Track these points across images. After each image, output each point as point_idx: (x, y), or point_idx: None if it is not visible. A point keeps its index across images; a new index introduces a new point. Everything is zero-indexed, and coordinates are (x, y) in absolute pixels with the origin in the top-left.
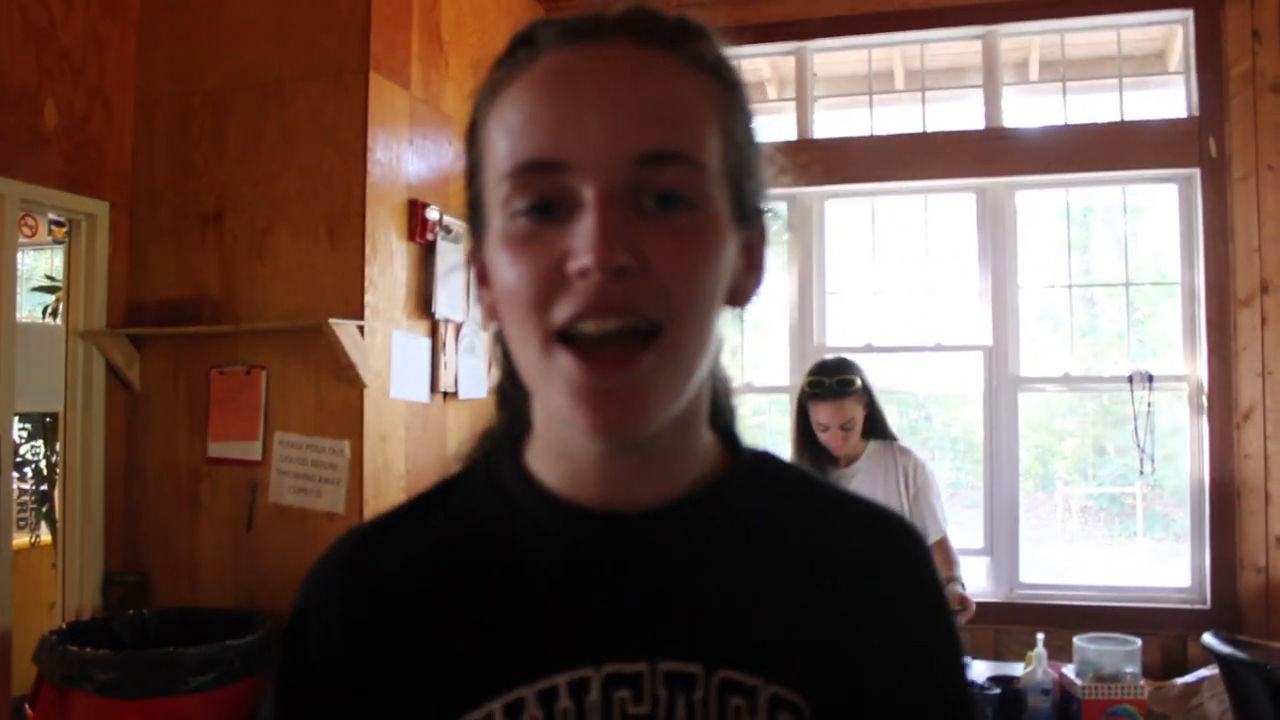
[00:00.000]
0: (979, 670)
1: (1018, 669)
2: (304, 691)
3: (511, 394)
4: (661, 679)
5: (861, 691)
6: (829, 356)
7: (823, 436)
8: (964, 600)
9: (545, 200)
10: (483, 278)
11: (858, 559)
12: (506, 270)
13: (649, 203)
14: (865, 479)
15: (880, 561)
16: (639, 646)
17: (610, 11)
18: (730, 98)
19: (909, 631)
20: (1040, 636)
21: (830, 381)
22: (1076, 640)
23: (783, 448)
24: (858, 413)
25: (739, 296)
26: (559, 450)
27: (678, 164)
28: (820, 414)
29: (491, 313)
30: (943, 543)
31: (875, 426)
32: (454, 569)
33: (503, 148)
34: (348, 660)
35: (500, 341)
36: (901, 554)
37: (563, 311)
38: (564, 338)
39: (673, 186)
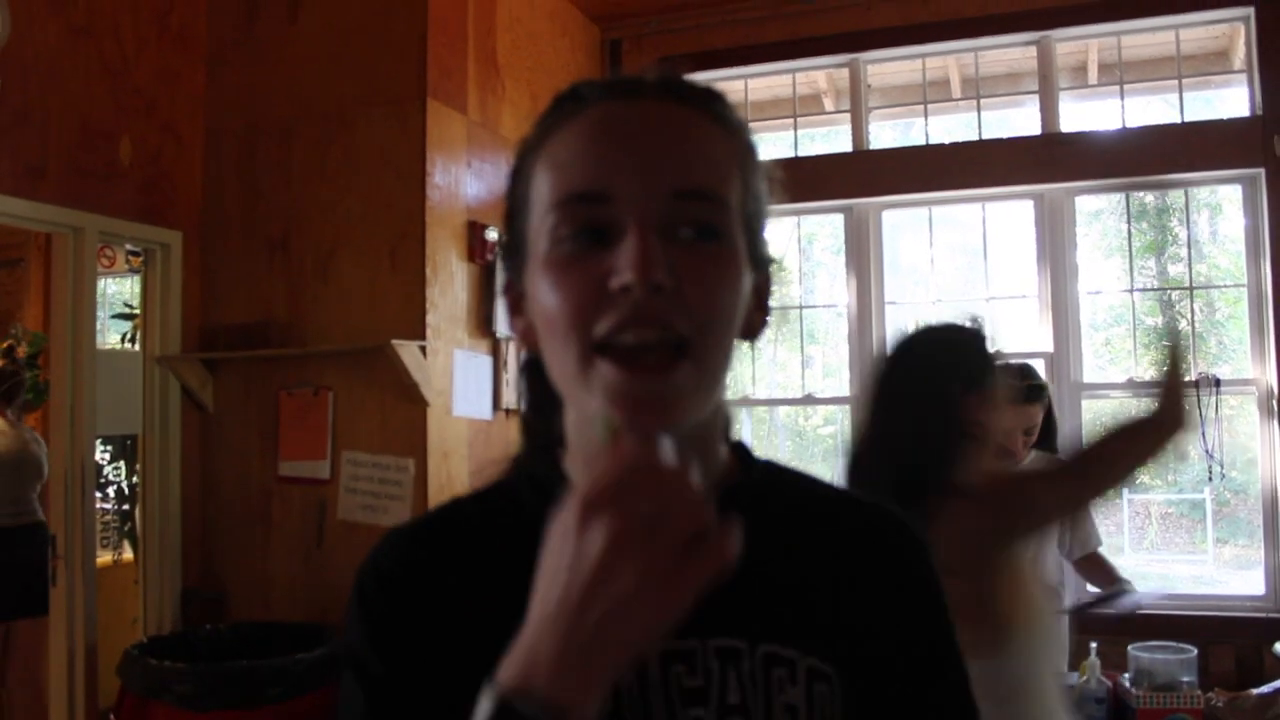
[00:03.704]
0: None
1: (1076, 679)
2: (386, 647)
3: (536, 424)
4: (713, 653)
5: (876, 661)
6: (1012, 361)
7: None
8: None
9: (589, 228)
10: (516, 307)
11: (866, 547)
12: (549, 291)
13: (684, 232)
14: None
15: (885, 548)
16: (688, 626)
17: (646, 77)
18: (748, 155)
19: (911, 608)
20: (1094, 645)
21: (1021, 386)
22: (1131, 649)
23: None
24: (1039, 418)
25: (749, 331)
26: (594, 456)
27: (706, 202)
28: (1005, 418)
29: (526, 337)
30: (1100, 556)
31: (1045, 437)
32: (509, 560)
33: (551, 183)
34: (410, 639)
35: (527, 373)
36: (901, 541)
37: (604, 325)
38: (601, 349)
39: (703, 220)
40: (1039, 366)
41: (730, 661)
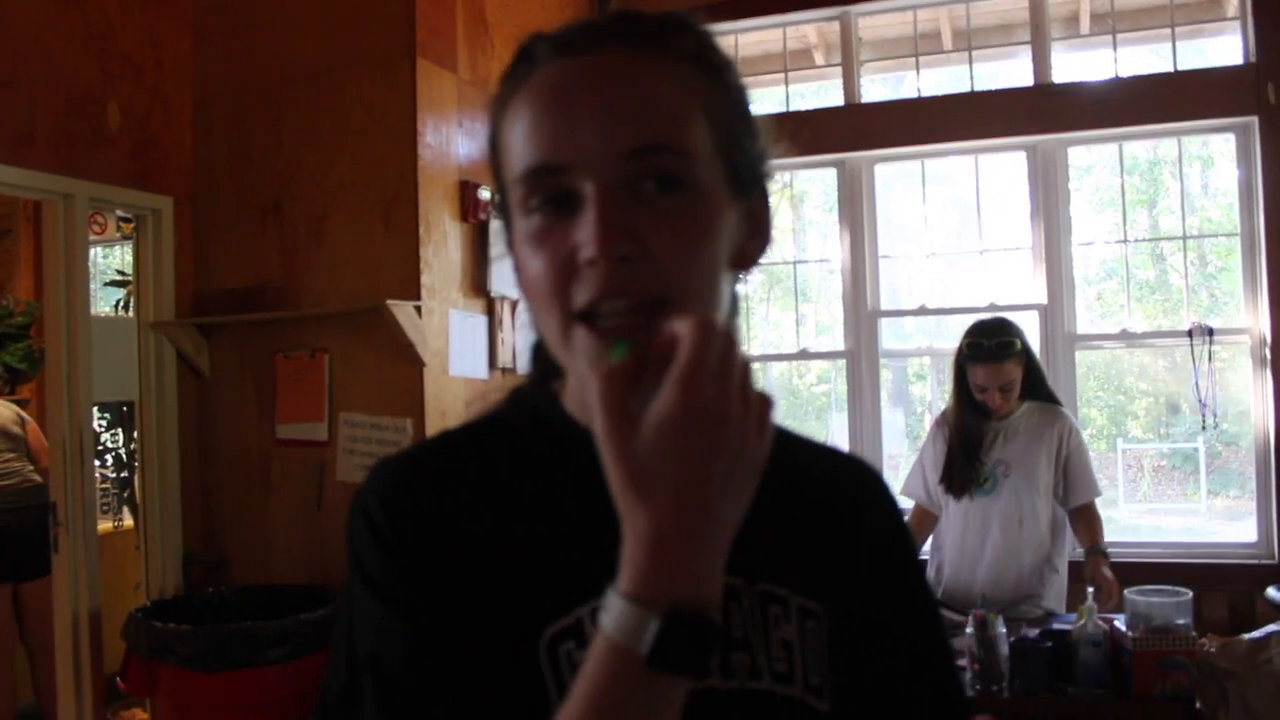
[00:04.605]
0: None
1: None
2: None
3: (545, 351)
4: None
5: (859, 600)
6: (987, 317)
7: (980, 397)
8: (1110, 584)
9: (553, 198)
10: (517, 266)
11: (848, 495)
12: (528, 264)
13: (647, 187)
14: (1014, 438)
15: (861, 495)
16: None
17: (596, 21)
18: (714, 81)
19: (886, 550)
20: (1090, 590)
21: (990, 344)
22: (1127, 593)
23: (853, 411)
24: (1017, 374)
25: (745, 260)
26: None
27: (665, 154)
28: (978, 375)
29: (526, 296)
30: (1092, 507)
31: (1033, 387)
32: (513, 491)
33: (514, 155)
34: (424, 563)
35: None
36: (875, 488)
37: (579, 298)
38: (582, 316)
39: (665, 170)
40: (1033, 319)
41: (731, 598)
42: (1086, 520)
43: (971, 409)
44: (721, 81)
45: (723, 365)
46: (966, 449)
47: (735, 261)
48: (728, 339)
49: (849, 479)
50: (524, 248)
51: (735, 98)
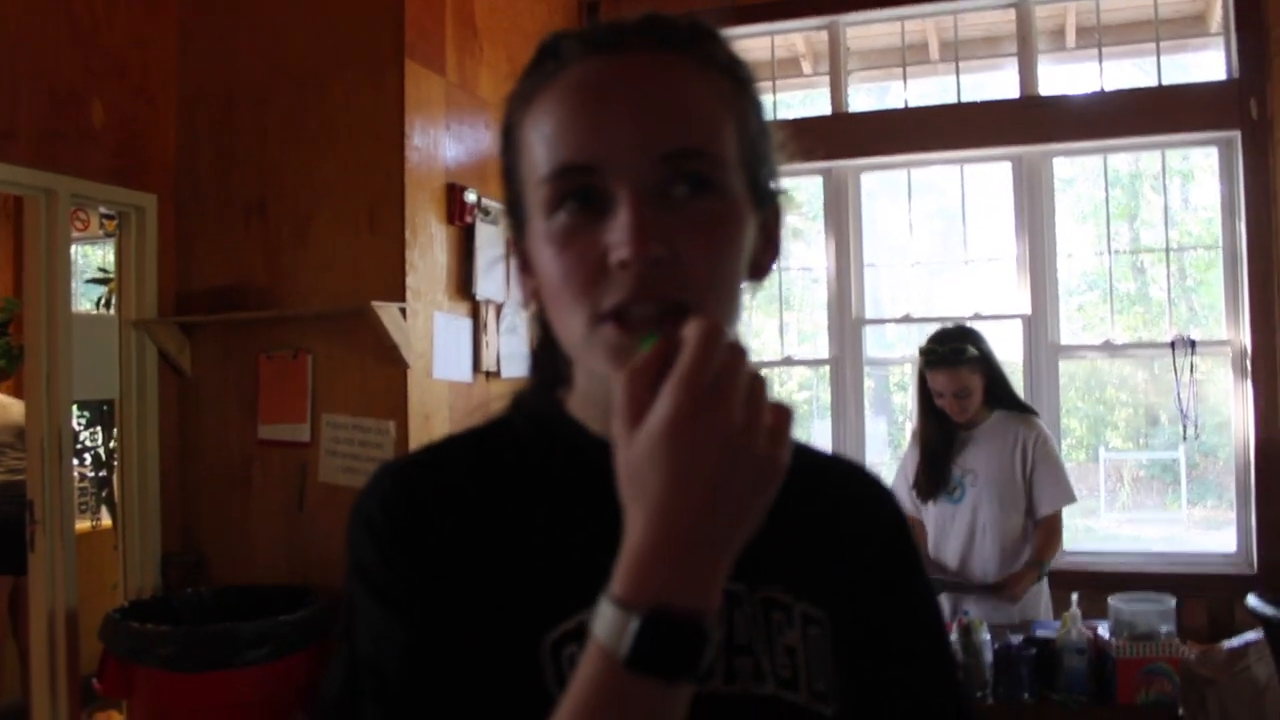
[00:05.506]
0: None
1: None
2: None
3: (546, 359)
4: None
5: (860, 603)
6: (949, 325)
7: (939, 403)
8: (1011, 588)
9: (582, 198)
10: (525, 266)
11: (848, 500)
12: (551, 263)
13: (679, 190)
14: (981, 446)
15: (864, 502)
16: None
17: (627, 22)
18: (742, 92)
19: (887, 554)
20: (1075, 596)
21: (944, 350)
22: (1111, 600)
23: (836, 419)
24: (973, 381)
25: (758, 271)
26: (603, 402)
27: (699, 160)
28: (935, 381)
29: (535, 297)
30: (1052, 520)
31: (998, 396)
32: (517, 496)
33: (539, 154)
34: (426, 568)
35: (540, 319)
36: (876, 493)
37: (609, 300)
38: (608, 318)
39: (697, 174)
40: (1016, 329)
41: (734, 604)
42: (1040, 533)
43: (934, 416)
44: (748, 93)
45: (726, 372)
46: (931, 457)
47: (749, 273)
48: (734, 347)
49: (849, 484)
50: (545, 247)
51: (758, 110)
